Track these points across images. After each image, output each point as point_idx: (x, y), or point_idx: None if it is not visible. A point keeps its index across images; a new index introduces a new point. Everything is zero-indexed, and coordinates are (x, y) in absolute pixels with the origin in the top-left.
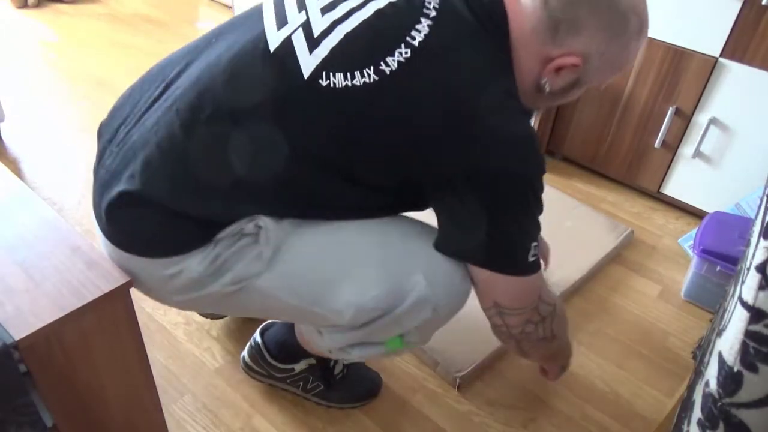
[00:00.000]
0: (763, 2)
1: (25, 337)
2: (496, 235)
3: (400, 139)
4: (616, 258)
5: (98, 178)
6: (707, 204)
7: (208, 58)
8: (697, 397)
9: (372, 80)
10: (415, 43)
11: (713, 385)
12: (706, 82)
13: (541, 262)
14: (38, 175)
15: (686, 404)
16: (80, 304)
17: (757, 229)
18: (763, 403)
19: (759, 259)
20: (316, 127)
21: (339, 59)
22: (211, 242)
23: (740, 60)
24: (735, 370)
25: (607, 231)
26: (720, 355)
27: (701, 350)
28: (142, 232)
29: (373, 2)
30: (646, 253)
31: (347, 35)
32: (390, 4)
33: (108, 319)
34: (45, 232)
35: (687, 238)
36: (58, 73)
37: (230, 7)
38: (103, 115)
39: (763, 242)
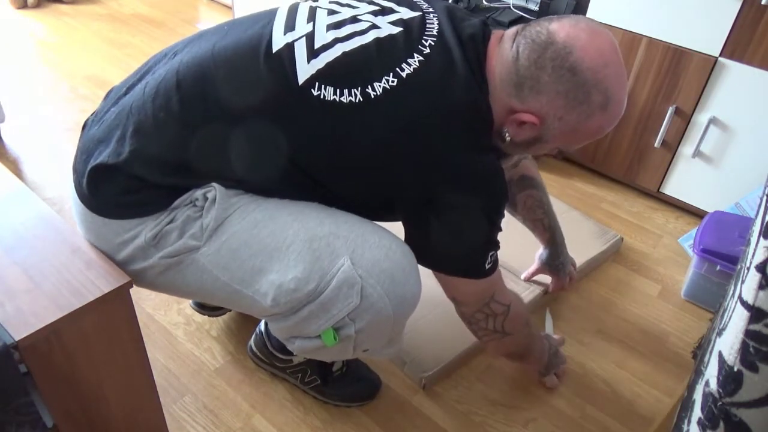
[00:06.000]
0: (763, 2)
1: (25, 337)
2: (453, 249)
3: (375, 159)
4: (616, 258)
5: (88, 138)
6: (707, 203)
7: (216, 44)
8: (697, 397)
9: (357, 100)
10: (403, 74)
11: (713, 385)
12: (706, 82)
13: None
14: (38, 175)
15: (686, 404)
16: (80, 304)
17: (757, 228)
18: (764, 403)
19: (759, 258)
20: (299, 130)
21: (332, 74)
22: (167, 209)
23: (740, 59)
24: (735, 369)
25: (595, 237)
26: (720, 355)
27: (701, 350)
28: (111, 194)
29: (375, 30)
30: (646, 253)
31: (345, 53)
32: (390, 36)
33: (108, 319)
34: (45, 232)
35: (687, 237)
36: (57, 73)
37: (230, 7)
38: None
39: (763, 242)
